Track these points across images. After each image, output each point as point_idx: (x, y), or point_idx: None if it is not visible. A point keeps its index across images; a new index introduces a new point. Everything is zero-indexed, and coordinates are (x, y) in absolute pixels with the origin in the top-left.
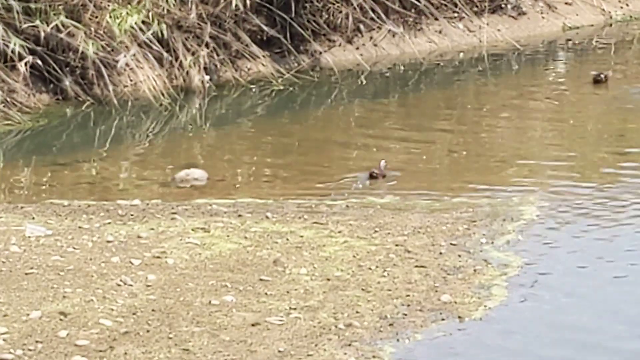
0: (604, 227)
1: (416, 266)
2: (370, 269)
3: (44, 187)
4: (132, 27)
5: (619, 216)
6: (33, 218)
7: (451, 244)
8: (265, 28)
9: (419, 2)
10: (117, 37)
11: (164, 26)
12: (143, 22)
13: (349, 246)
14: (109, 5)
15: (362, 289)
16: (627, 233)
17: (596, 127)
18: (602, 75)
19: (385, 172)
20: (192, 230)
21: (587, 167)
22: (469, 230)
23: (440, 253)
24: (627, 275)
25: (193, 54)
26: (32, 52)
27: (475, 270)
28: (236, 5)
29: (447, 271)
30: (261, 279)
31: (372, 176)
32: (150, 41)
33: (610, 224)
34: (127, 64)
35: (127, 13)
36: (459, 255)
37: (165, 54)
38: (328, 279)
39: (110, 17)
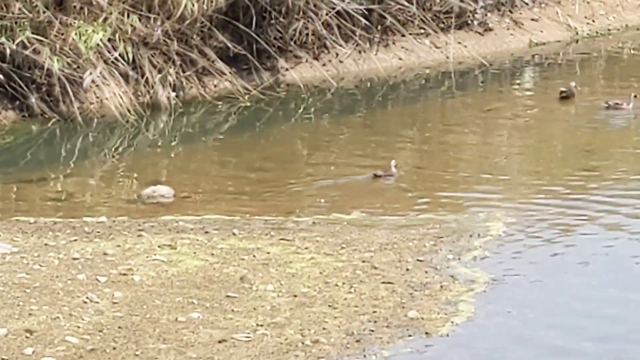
0: (570, 242)
1: (383, 282)
2: (337, 285)
3: (9, 204)
4: (98, 45)
5: (586, 231)
6: None
7: (418, 260)
8: (230, 45)
9: (386, 18)
10: (83, 54)
11: (129, 43)
12: (109, 39)
13: (315, 263)
14: (74, 23)
15: (329, 306)
16: (593, 249)
17: (563, 143)
18: (569, 91)
19: (393, 172)
20: (159, 247)
21: (554, 182)
22: (436, 247)
23: (407, 269)
24: (593, 291)
25: (159, 70)
26: None
27: (442, 287)
28: (202, 22)
29: (414, 287)
30: (228, 296)
31: (375, 176)
32: (117, 58)
33: (577, 240)
34: (93, 81)
35: (93, 30)
36: (426, 272)
37: (131, 71)
38: (295, 296)
39: (76, 34)
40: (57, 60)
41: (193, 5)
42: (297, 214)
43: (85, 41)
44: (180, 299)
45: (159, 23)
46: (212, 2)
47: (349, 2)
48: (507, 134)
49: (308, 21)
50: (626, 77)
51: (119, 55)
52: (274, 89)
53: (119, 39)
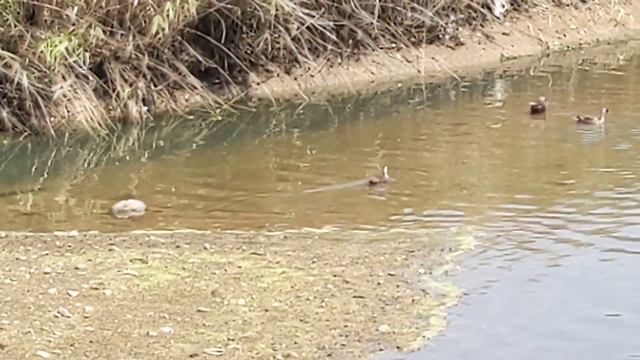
0: (541, 256)
1: (354, 297)
2: (308, 299)
3: None
4: (65, 56)
5: (557, 246)
6: None
7: (389, 274)
8: (201, 59)
9: (357, 33)
10: (49, 63)
11: (101, 57)
12: (79, 53)
13: (287, 277)
14: (44, 36)
15: (300, 320)
16: (565, 263)
17: (534, 157)
18: (540, 105)
19: (387, 179)
20: (130, 261)
21: (525, 197)
22: (407, 261)
23: (379, 283)
24: (565, 305)
25: (131, 85)
26: None
27: (413, 301)
28: (173, 37)
29: (386, 301)
30: (199, 310)
31: (371, 183)
32: (88, 72)
33: (548, 254)
34: (64, 95)
35: (60, 41)
36: (397, 286)
37: (102, 85)
38: (266, 310)
39: (46, 47)
40: (27, 74)
41: (164, 20)
42: (269, 228)
43: (51, 51)
44: (151, 313)
45: (130, 37)
46: (183, 16)
47: (319, 17)
48: (478, 148)
49: (279, 35)
50: (597, 91)
51: (90, 69)
52: (245, 103)
53: (88, 52)
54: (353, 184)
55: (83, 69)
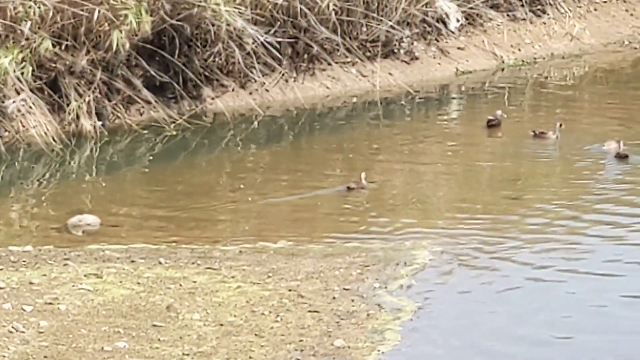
0: (496, 270)
1: (309, 311)
2: (263, 314)
3: None
4: (7, 70)
5: (512, 259)
6: None
7: (344, 288)
8: (154, 74)
9: (312, 47)
10: (7, 82)
11: (55, 72)
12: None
13: (242, 291)
14: None
15: (256, 334)
16: (520, 276)
17: (489, 172)
18: (496, 120)
19: (364, 185)
20: (85, 276)
21: (480, 210)
22: (362, 275)
23: (334, 298)
24: (520, 318)
25: (85, 99)
26: None
27: (368, 315)
28: (128, 51)
29: (341, 316)
30: (154, 325)
31: (349, 189)
32: (42, 87)
33: (503, 267)
34: (19, 110)
35: (5, 55)
36: (352, 300)
37: (57, 100)
38: (221, 325)
39: None
40: None
41: (119, 35)
42: (224, 243)
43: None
44: (106, 328)
45: (84, 52)
46: (138, 31)
47: (275, 32)
48: (433, 162)
49: (234, 50)
50: (552, 105)
51: (45, 84)
52: (200, 118)
53: (32, 66)
54: (331, 190)
55: (38, 84)
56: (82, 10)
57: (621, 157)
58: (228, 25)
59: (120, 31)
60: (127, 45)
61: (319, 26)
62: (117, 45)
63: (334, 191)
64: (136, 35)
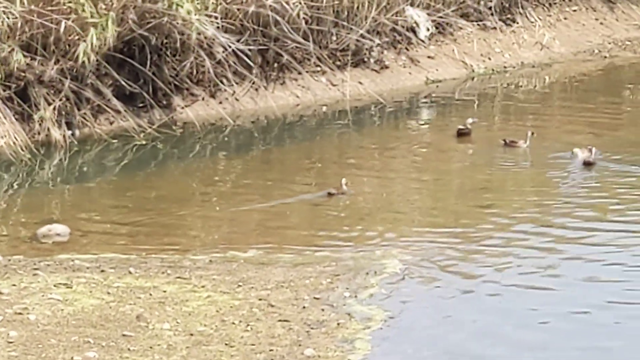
0: (466, 279)
1: (279, 320)
2: (233, 323)
3: None
4: None
5: (481, 270)
6: None
7: (314, 298)
8: (124, 83)
9: (282, 56)
10: None
11: (24, 81)
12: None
13: (212, 301)
14: None
15: (226, 344)
16: (489, 286)
17: (459, 181)
18: (466, 129)
19: (345, 190)
20: (55, 286)
21: (450, 220)
22: (332, 284)
23: (304, 307)
24: (490, 328)
25: (54, 108)
26: None
27: (338, 324)
28: (97, 60)
29: (311, 325)
30: (124, 335)
31: (329, 194)
32: (11, 96)
33: (472, 277)
34: None
35: None
36: (323, 309)
37: (27, 109)
38: (191, 334)
39: None
40: None
41: (85, 47)
42: (194, 252)
43: None
44: (76, 338)
45: (53, 61)
46: (105, 41)
47: (244, 41)
48: (403, 171)
49: (203, 59)
50: (522, 114)
51: (15, 93)
52: (170, 127)
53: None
54: (311, 196)
55: (7, 93)
56: (50, 22)
57: (588, 164)
58: (199, 34)
59: (86, 43)
60: (93, 57)
61: (291, 34)
62: (84, 57)
63: (315, 197)
64: (102, 47)
